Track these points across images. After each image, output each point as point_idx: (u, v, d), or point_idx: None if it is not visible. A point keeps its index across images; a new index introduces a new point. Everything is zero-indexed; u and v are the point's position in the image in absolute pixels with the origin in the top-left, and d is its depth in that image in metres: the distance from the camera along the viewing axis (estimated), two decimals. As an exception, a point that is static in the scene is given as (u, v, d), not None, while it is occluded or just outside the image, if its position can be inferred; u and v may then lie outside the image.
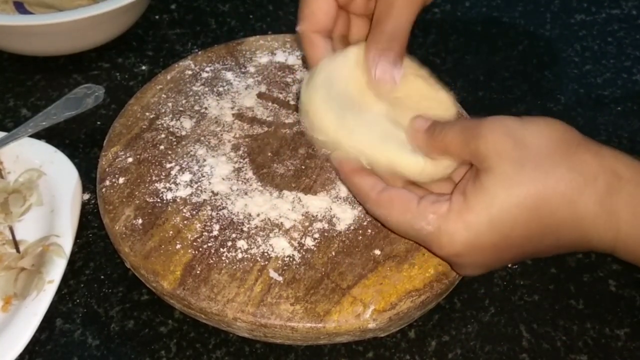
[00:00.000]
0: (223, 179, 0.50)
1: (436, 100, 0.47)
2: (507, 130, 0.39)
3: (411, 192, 0.42)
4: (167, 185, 0.49)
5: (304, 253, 0.46)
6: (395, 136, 0.43)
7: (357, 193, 0.44)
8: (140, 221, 0.47)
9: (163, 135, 0.53)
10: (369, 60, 0.44)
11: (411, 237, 0.42)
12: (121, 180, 0.49)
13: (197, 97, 0.55)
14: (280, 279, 0.44)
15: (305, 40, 0.47)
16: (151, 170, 0.50)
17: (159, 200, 0.48)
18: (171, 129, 0.53)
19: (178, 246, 0.46)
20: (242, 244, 0.46)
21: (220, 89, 0.56)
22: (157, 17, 0.71)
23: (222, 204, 0.48)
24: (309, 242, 0.46)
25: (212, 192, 0.49)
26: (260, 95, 0.56)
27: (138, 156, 0.51)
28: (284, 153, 0.52)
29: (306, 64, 0.50)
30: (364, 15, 0.49)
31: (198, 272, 0.44)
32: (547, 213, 0.38)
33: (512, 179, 0.38)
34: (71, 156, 0.53)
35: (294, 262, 0.45)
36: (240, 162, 0.51)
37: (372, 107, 0.45)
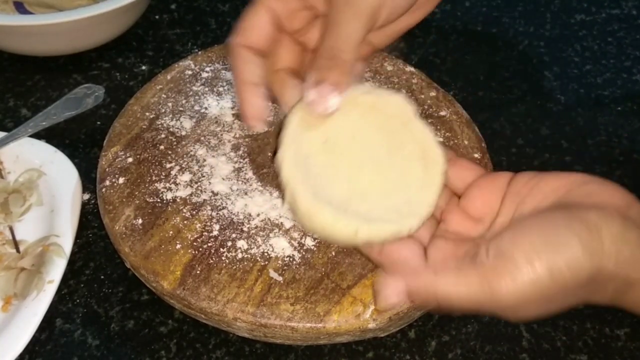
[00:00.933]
0: (223, 179, 0.50)
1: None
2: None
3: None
4: (167, 185, 0.49)
5: (304, 253, 0.46)
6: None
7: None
8: (140, 221, 0.47)
9: (163, 135, 0.53)
10: (306, 81, 0.41)
11: None
12: (121, 180, 0.49)
13: (197, 97, 0.55)
14: (280, 279, 0.44)
15: (234, 53, 0.43)
16: (151, 170, 0.50)
17: (159, 200, 0.48)
18: (171, 129, 0.53)
19: (178, 246, 0.46)
20: (242, 244, 0.46)
21: (220, 89, 0.56)
22: (157, 17, 0.71)
23: (222, 204, 0.48)
24: (309, 242, 0.46)
25: (212, 192, 0.49)
26: (260, 95, 0.56)
27: (138, 156, 0.51)
28: (284, 153, 0.52)
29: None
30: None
31: (198, 272, 0.44)
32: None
33: None
34: (71, 156, 0.53)
35: (294, 262, 0.45)
36: (240, 162, 0.51)
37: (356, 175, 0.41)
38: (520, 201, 0.41)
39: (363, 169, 0.41)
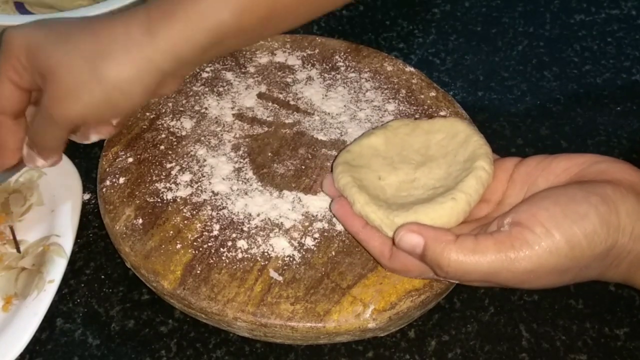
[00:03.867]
0: (223, 179, 0.50)
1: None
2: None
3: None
4: (168, 185, 0.49)
5: (304, 253, 0.46)
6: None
7: (371, 253, 0.44)
8: (140, 221, 0.47)
9: (163, 135, 0.53)
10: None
11: None
12: (121, 180, 0.49)
13: (197, 97, 0.56)
14: (280, 278, 0.44)
15: None
16: (151, 170, 0.50)
17: (159, 200, 0.48)
18: (171, 129, 0.53)
19: (178, 246, 0.46)
20: (242, 243, 0.46)
21: (221, 89, 0.56)
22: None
23: (222, 203, 0.48)
24: (309, 242, 0.46)
25: (213, 192, 0.49)
26: (260, 96, 0.56)
27: (138, 156, 0.51)
28: (284, 153, 0.52)
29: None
30: None
31: (198, 271, 0.44)
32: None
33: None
34: (71, 156, 0.53)
35: (294, 262, 0.45)
36: (240, 162, 0.51)
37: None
38: (532, 182, 0.42)
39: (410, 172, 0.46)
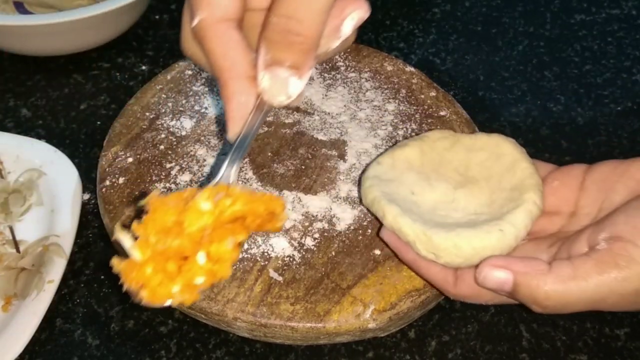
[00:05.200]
0: (223, 179, 0.50)
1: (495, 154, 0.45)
2: None
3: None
4: (167, 185, 0.49)
5: (304, 253, 0.46)
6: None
7: (433, 285, 0.42)
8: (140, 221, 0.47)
9: (163, 135, 0.53)
10: (258, 58, 0.32)
11: None
12: (121, 180, 0.49)
13: (197, 97, 0.56)
14: (280, 278, 0.44)
15: (207, 35, 0.32)
16: (151, 170, 0.50)
17: (159, 200, 0.48)
18: (171, 129, 0.53)
19: (178, 246, 0.46)
20: (242, 243, 0.46)
21: (220, 89, 0.56)
22: (157, 17, 0.71)
23: (222, 203, 0.48)
24: (309, 242, 0.46)
25: (212, 192, 0.49)
26: (260, 95, 0.56)
27: (138, 156, 0.51)
28: (284, 153, 0.52)
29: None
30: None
31: (198, 272, 0.44)
32: None
33: None
34: (71, 156, 0.53)
35: (294, 262, 0.45)
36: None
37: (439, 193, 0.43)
38: (609, 189, 0.39)
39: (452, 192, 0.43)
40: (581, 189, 0.40)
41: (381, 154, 0.46)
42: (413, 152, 0.45)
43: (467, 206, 0.42)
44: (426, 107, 0.56)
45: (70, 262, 0.48)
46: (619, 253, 0.34)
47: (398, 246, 0.42)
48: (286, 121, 0.54)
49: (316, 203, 0.49)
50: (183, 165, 0.50)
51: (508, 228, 0.39)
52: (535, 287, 0.34)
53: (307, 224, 0.47)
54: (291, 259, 0.45)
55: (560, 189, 0.41)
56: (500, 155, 0.44)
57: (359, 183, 0.45)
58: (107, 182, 0.49)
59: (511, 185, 0.42)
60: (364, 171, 0.45)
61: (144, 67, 0.65)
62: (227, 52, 0.32)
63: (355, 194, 0.49)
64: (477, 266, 0.37)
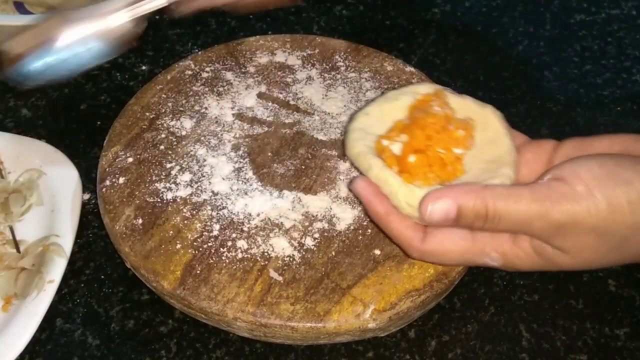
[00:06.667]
0: (223, 179, 0.50)
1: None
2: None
3: (458, 230, 0.40)
4: (167, 185, 0.49)
5: (304, 253, 0.46)
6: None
7: (397, 241, 0.43)
8: (140, 221, 0.47)
9: (163, 135, 0.53)
10: None
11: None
12: (121, 180, 0.49)
13: (197, 97, 0.55)
14: (280, 278, 0.44)
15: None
16: (151, 170, 0.50)
17: (159, 200, 0.48)
18: (171, 129, 0.53)
19: (178, 246, 0.46)
20: (242, 243, 0.46)
21: (220, 89, 0.56)
22: (157, 17, 0.71)
23: (222, 203, 0.48)
24: (309, 242, 0.46)
25: (212, 192, 0.49)
26: (260, 95, 0.56)
27: (138, 156, 0.51)
28: (284, 153, 0.52)
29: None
30: None
31: (198, 272, 0.44)
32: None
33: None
34: (71, 156, 0.53)
35: (294, 262, 0.45)
36: (240, 162, 0.51)
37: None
38: None
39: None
40: (549, 162, 0.43)
41: (369, 103, 0.46)
42: (402, 106, 0.45)
43: None
44: (426, 107, 0.55)
45: (70, 262, 0.48)
46: (554, 189, 0.36)
47: (373, 197, 0.41)
48: (286, 121, 0.54)
49: (316, 203, 0.49)
50: (183, 165, 0.51)
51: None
52: (480, 205, 0.37)
53: (307, 223, 0.47)
54: (291, 259, 0.45)
55: (532, 162, 0.43)
56: (486, 126, 0.45)
57: (345, 132, 0.45)
58: (107, 182, 0.49)
59: (491, 157, 0.43)
60: (350, 119, 0.45)
61: (144, 67, 0.65)
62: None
63: (355, 194, 0.49)
64: (420, 206, 0.38)
